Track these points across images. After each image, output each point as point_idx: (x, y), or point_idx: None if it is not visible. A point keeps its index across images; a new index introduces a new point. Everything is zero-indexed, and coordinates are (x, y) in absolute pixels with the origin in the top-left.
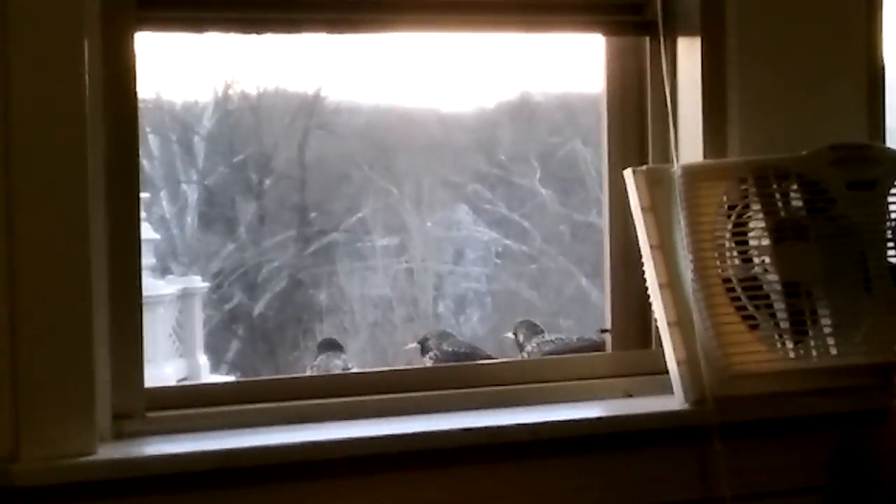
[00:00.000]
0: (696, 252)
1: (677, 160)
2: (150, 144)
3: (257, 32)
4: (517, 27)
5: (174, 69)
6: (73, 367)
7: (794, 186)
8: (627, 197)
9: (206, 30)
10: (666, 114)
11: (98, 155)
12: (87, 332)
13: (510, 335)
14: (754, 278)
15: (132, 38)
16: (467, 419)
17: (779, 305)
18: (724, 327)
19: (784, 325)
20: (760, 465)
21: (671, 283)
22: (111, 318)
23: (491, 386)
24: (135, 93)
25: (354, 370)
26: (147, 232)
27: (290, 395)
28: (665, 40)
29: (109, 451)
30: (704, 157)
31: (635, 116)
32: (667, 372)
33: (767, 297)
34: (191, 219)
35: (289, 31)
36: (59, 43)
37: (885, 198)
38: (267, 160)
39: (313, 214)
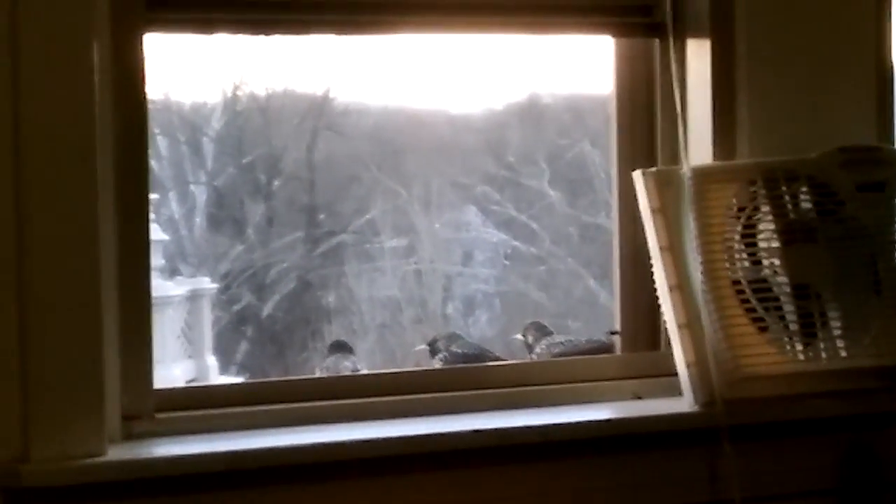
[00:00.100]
0: (706, 254)
1: (687, 162)
2: (159, 145)
3: (266, 34)
4: (526, 28)
5: (183, 70)
6: (82, 369)
7: (804, 188)
8: (636, 199)
9: (215, 31)
10: (675, 115)
11: (107, 156)
12: (96, 334)
13: (519, 337)
14: (764, 280)
15: (141, 39)
16: (477, 421)
17: (788, 307)
18: (733, 329)
19: (793, 327)
20: (770, 468)
21: (680, 285)
22: (120, 319)
23: (500, 388)
24: (144, 94)
25: (364, 372)
26: (156, 233)
27: (299, 396)
28: (675, 42)
29: (119, 453)
30: (714, 158)
31: (644, 118)
32: (676, 374)
33: (777, 299)
34: (199, 220)
35: (298, 33)
36: (69, 44)
37: (895, 199)
38: (275, 161)
39: (322, 216)
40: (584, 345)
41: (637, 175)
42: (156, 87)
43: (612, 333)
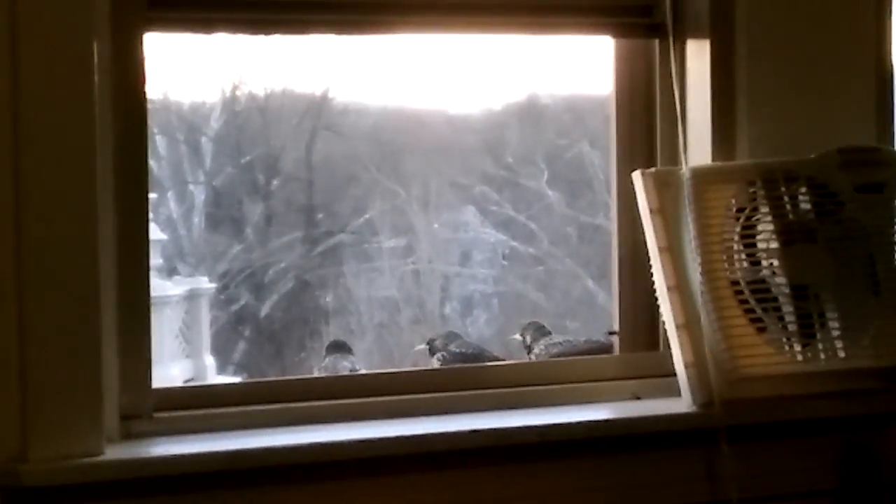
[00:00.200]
0: (705, 254)
1: (686, 162)
2: (158, 145)
3: (265, 33)
4: (525, 29)
5: (182, 70)
6: (80, 368)
7: (803, 189)
8: (635, 199)
9: (215, 30)
10: (675, 116)
11: (107, 155)
12: (95, 333)
13: (517, 337)
14: (762, 281)
15: (141, 38)
16: (475, 421)
17: (787, 308)
18: (732, 330)
19: (792, 327)
20: (768, 468)
21: (679, 286)
22: (119, 319)
23: (499, 388)
24: (144, 93)
25: (362, 372)
26: (154, 232)
27: (297, 396)
28: (674, 43)
29: (117, 452)
30: (713, 159)
31: (644, 119)
32: (674, 374)
33: (775, 299)
34: (198, 219)
35: (297, 33)
36: (69, 43)
37: (894, 201)
38: (274, 161)
39: (320, 216)
40: (583, 345)
41: (636, 175)
42: (155, 87)
43: (611, 334)
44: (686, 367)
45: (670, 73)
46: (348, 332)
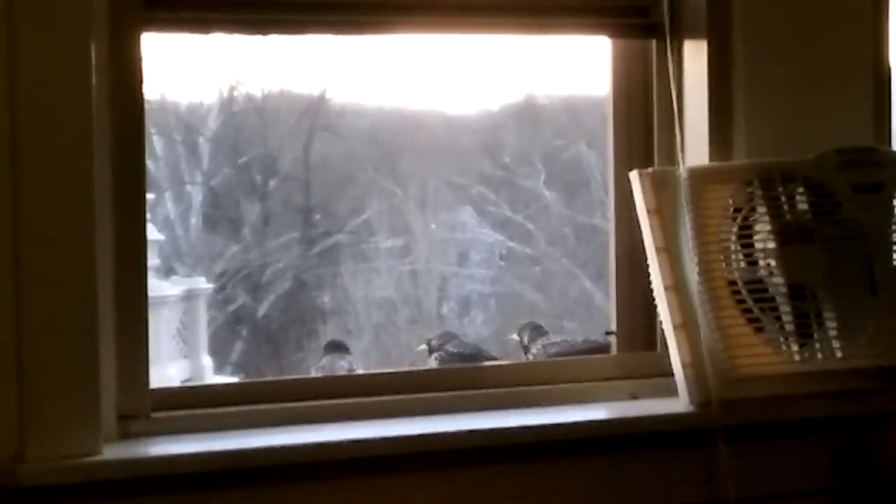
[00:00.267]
0: (702, 254)
1: (683, 163)
2: (155, 145)
3: (263, 34)
4: (522, 29)
5: (179, 70)
6: (78, 368)
7: (800, 189)
8: (633, 199)
9: (212, 31)
10: (672, 116)
11: (104, 155)
12: (92, 333)
13: (515, 337)
14: (760, 281)
15: (139, 38)
16: (472, 421)
17: (784, 308)
18: (729, 330)
19: (789, 327)
20: (765, 468)
21: (676, 286)
22: (117, 319)
23: (496, 387)
24: (141, 93)
25: (359, 372)
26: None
27: (294, 396)
28: (671, 43)
29: (114, 452)
30: (710, 159)
31: (641, 119)
32: (672, 374)
33: (773, 299)
34: (195, 220)
35: (294, 33)
36: (66, 43)
37: (892, 201)
38: (272, 161)
39: (318, 216)
40: (580, 345)
41: (633, 176)
42: (152, 87)
43: (608, 334)
44: (683, 366)
45: (667, 74)
46: (346, 333)
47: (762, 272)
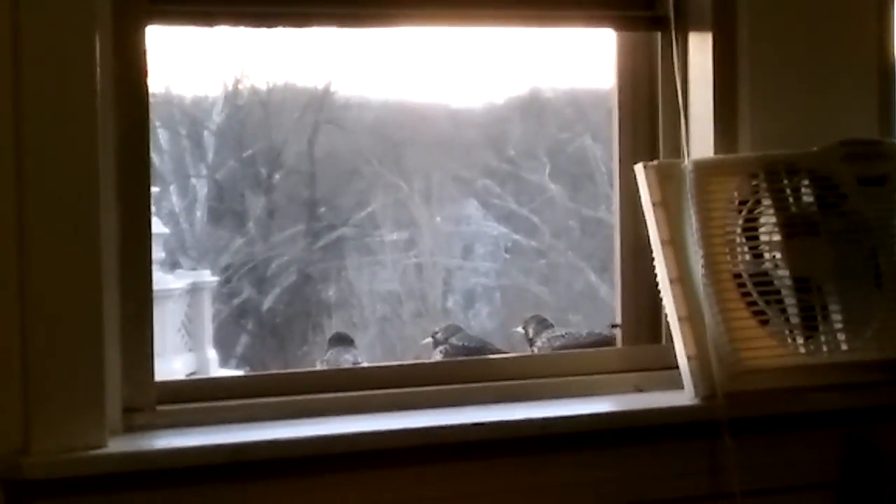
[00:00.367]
0: (707, 247)
1: (688, 155)
2: (160, 139)
3: (267, 26)
4: (527, 22)
5: (184, 63)
6: (83, 361)
7: (805, 182)
8: (638, 192)
9: (217, 24)
10: (677, 109)
11: (109, 149)
12: (97, 326)
13: (520, 330)
14: (765, 273)
15: (143, 31)
16: (477, 414)
17: (789, 301)
18: (734, 322)
19: (794, 320)
20: (771, 461)
21: (682, 279)
22: (122, 312)
23: (501, 380)
24: (146, 87)
25: (364, 365)
26: (156, 226)
27: (299, 389)
28: (677, 35)
29: (119, 445)
30: (715, 152)
31: (646, 112)
32: (677, 367)
33: (778, 292)
34: (200, 213)
35: (299, 26)
36: (71, 37)
37: None
38: (276, 155)
39: (322, 209)
40: (585, 338)
41: (638, 168)
42: (157, 80)
43: (613, 326)
44: (689, 359)
45: (672, 66)
46: (351, 326)
47: (767, 265)
